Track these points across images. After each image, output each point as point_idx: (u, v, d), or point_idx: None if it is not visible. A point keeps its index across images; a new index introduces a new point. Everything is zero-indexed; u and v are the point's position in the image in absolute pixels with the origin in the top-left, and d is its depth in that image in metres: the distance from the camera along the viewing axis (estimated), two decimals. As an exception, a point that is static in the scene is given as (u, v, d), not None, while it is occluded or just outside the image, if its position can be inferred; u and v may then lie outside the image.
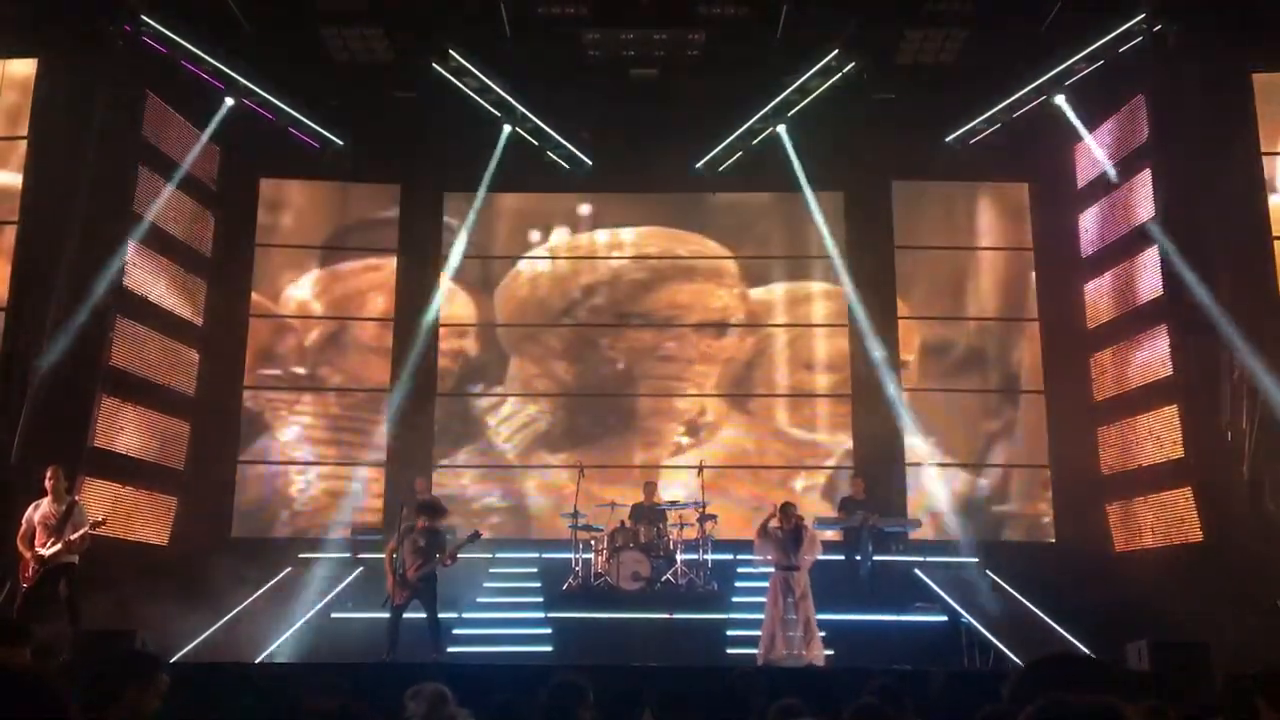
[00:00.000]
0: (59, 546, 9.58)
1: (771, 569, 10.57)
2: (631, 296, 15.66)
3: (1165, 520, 12.67)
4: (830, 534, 12.26)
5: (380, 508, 14.57)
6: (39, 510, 9.72)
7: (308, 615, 11.62)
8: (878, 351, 14.41)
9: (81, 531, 9.70)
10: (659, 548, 12.29)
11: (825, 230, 14.95)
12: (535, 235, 15.89)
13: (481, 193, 15.14)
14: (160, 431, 13.52)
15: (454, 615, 11.16)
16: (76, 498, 10.30)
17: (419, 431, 15.01)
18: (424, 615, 10.05)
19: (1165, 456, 12.71)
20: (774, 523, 10.66)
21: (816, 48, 13.47)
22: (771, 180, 15.35)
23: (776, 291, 15.67)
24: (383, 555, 10.51)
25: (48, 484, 9.80)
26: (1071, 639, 10.77)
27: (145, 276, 13.28)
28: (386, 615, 10.00)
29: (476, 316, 15.71)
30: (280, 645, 10.97)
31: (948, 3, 13.05)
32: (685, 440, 15.14)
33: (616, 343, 15.59)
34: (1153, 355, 13.06)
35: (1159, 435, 12.86)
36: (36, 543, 9.61)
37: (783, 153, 14.69)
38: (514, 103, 14.16)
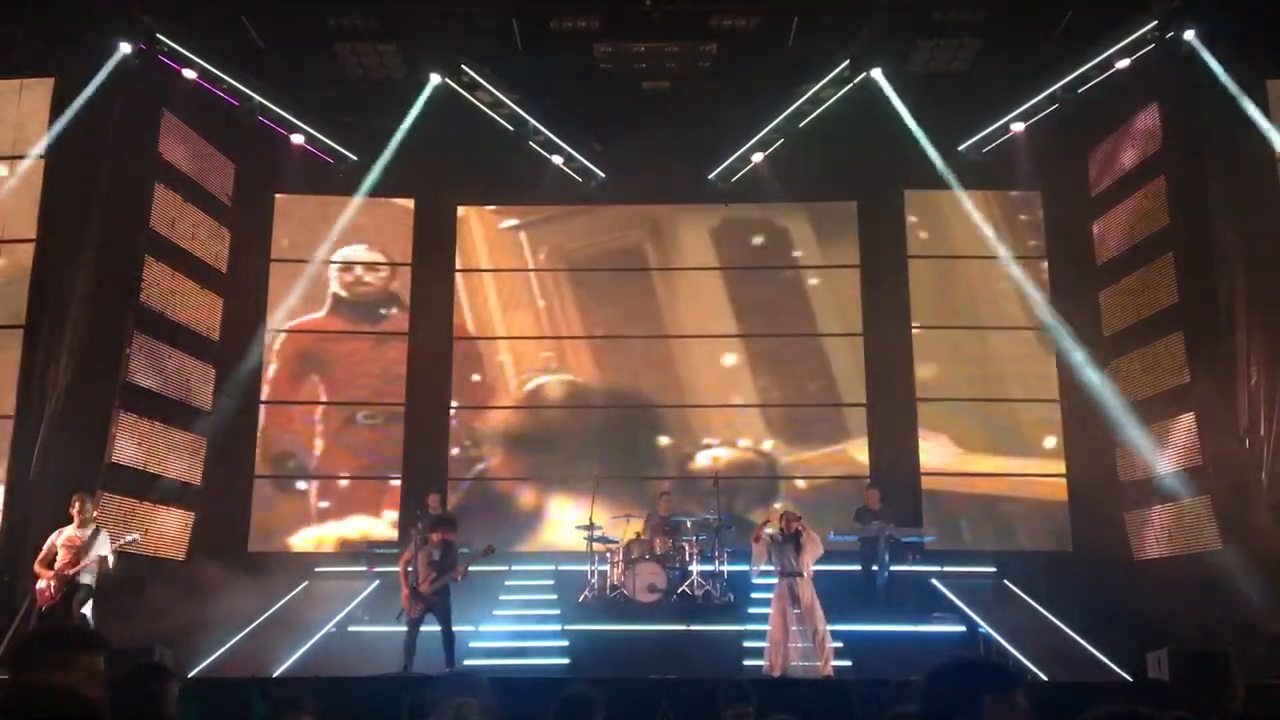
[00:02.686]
0: (80, 565, 9.62)
1: (775, 579, 10.49)
2: (645, 307, 15.67)
3: (1184, 528, 12.60)
4: (842, 543, 12.21)
5: (395, 521, 14.62)
6: (62, 535, 9.76)
7: (325, 629, 11.64)
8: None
9: (105, 553, 9.74)
10: (674, 559, 12.27)
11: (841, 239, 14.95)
12: (548, 248, 15.92)
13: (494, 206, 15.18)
14: (177, 447, 13.58)
15: (470, 628, 11.16)
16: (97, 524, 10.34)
17: (433, 444, 15.06)
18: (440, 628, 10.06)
19: (1183, 464, 12.64)
20: (770, 529, 10.59)
21: (828, 58, 13.47)
22: (785, 190, 15.36)
23: (790, 301, 15.65)
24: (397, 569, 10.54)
25: (74, 510, 9.85)
26: (1090, 648, 10.73)
27: (161, 292, 13.35)
28: (404, 629, 10.02)
29: (490, 329, 15.74)
30: (297, 659, 10.99)
31: (959, 12, 13.06)
32: (700, 451, 15.12)
33: (630, 354, 15.59)
34: (1169, 362, 12.99)
35: (1176, 443, 12.79)
36: (57, 565, 9.63)
37: (796, 163, 14.71)
38: (526, 116, 14.21)
